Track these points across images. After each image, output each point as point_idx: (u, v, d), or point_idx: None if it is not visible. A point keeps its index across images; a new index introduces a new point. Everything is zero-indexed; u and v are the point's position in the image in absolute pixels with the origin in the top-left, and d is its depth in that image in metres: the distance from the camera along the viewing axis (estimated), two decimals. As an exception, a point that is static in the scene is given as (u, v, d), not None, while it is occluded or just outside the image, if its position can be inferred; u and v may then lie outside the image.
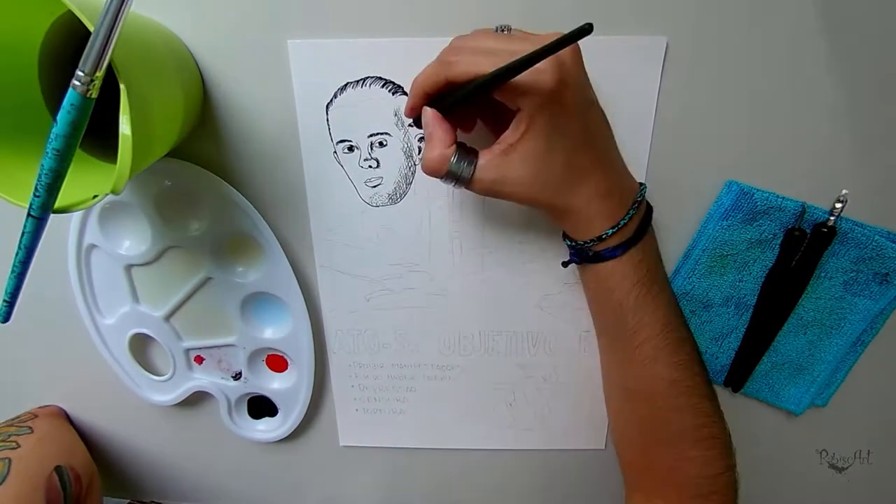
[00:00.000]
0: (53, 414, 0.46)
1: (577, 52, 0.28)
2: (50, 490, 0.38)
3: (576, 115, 0.29)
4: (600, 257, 0.32)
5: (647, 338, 0.33)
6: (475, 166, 0.30)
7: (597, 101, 0.31)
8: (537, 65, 0.25)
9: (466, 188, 0.31)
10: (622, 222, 0.31)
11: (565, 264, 0.36)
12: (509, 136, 0.29)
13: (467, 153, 0.30)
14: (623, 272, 0.32)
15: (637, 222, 0.32)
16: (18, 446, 0.40)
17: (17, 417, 0.44)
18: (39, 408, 0.46)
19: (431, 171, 0.30)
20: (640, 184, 0.34)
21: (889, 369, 0.41)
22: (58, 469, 0.40)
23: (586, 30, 0.23)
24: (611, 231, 0.31)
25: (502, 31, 0.30)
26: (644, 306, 0.33)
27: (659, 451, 0.35)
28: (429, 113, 0.30)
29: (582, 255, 0.33)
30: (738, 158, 0.35)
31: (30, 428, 0.42)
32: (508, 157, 0.29)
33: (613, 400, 0.38)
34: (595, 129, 0.30)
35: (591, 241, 0.32)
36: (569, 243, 0.34)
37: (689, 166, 0.35)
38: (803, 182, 0.35)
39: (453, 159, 0.29)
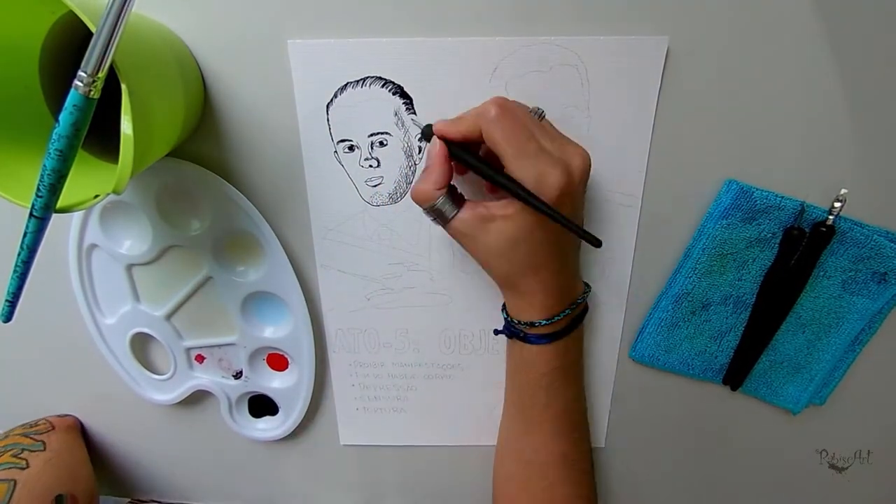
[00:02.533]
0: (69, 427, 0.46)
1: (586, 177, 0.31)
2: None
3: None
4: (528, 339, 0.35)
5: (554, 415, 0.37)
6: (455, 216, 0.32)
7: (582, 214, 0.34)
8: (554, 174, 0.29)
9: (441, 226, 0.33)
10: (555, 318, 0.34)
11: (497, 332, 0.38)
12: (495, 207, 0.31)
13: (454, 200, 0.32)
14: (546, 357, 0.35)
15: (569, 321, 0.35)
16: (27, 466, 0.40)
17: (35, 426, 0.44)
18: (57, 417, 0.46)
19: (417, 201, 0.32)
20: (586, 285, 0.37)
21: (888, 369, 0.41)
22: (58, 498, 0.40)
23: (595, 243, 0.29)
24: (544, 322, 0.34)
25: (537, 115, 0.32)
26: (557, 388, 0.36)
27: None
28: (437, 147, 0.31)
29: (513, 332, 0.36)
30: (737, 157, 0.35)
31: (43, 444, 0.42)
32: (485, 224, 0.31)
33: (507, 467, 0.41)
34: (568, 236, 0.32)
35: (525, 323, 0.35)
36: (505, 316, 0.37)
37: (689, 165, 0.36)
38: (802, 181, 0.35)
39: (439, 200, 0.31)
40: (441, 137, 0.31)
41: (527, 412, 0.38)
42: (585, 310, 0.37)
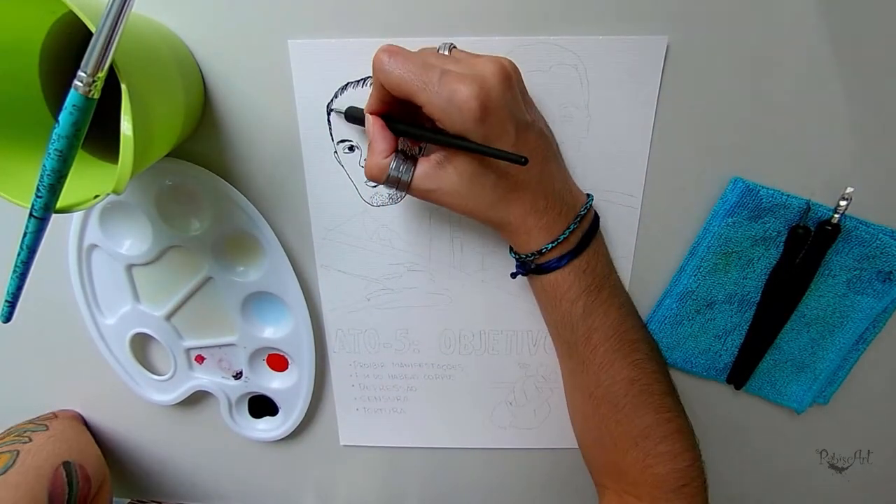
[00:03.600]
0: (72, 417, 0.46)
1: (505, 78, 0.28)
2: (55, 484, 0.38)
3: (505, 136, 0.29)
4: (543, 269, 0.33)
5: (600, 342, 0.34)
6: (412, 175, 0.31)
7: (535, 119, 0.31)
8: (463, 90, 0.27)
9: (406, 192, 0.32)
10: (561, 237, 0.32)
11: (513, 275, 0.37)
12: (441, 150, 0.30)
13: (406, 160, 0.31)
14: (568, 282, 0.33)
15: (579, 235, 0.33)
16: (30, 441, 0.40)
17: (38, 417, 0.45)
18: (60, 410, 0.47)
19: (371, 178, 0.32)
20: (587, 195, 0.34)
21: (891, 368, 0.41)
22: (66, 464, 0.40)
23: (520, 161, 0.27)
24: (550, 245, 0.32)
25: (448, 49, 0.31)
26: (592, 313, 0.34)
27: (628, 452, 0.35)
28: (370, 121, 0.31)
29: (525, 267, 0.34)
30: (740, 156, 0.35)
31: (45, 426, 0.43)
32: (443, 168, 0.30)
33: (579, 407, 0.39)
34: (530, 147, 0.30)
35: (532, 254, 0.33)
36: (513, 255, 0.35)
37: (690, 164, 0.35)
38: (808, 179, 0.35)
39: (392, 167, 0.31)
40: (370, 113, 0.31)
41: (573, 348, 0.35)
42: (596, 219, 0.35)
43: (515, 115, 0.29)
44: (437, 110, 0.28)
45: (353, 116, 0.33)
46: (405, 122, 0.31)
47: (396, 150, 0.31)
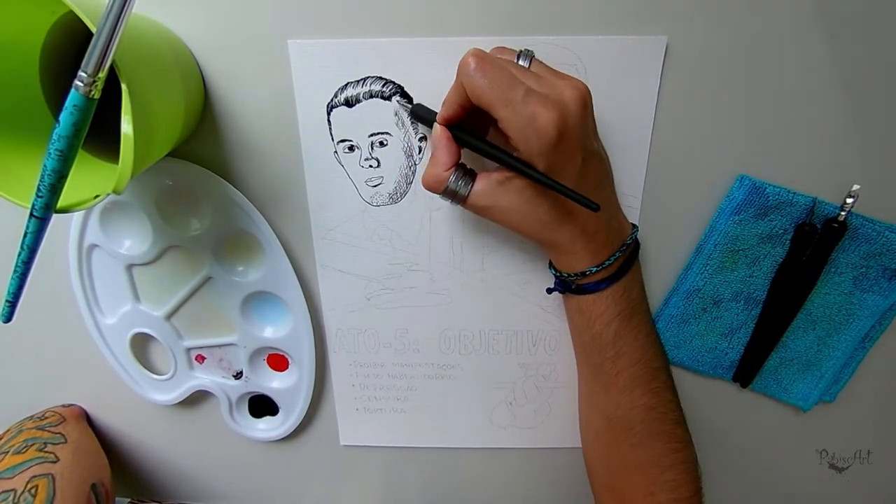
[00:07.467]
0: (78, 417, 0.46)
1: (583, 106, 0.29)
2: None
3: (572, 164, 0.29)
4: (583, 290, 0.34)
5: (625, 366, 0.35)
6: (470, 189, 0.31)
7: (599, 149, 0.32)
8: (545, 114, 0.27)
9: (459, 205, 0.33)
10: (606, 263, 0.32)
11: (549, 291, 0.37)
12: (506, 168, 0.30)
13: (465, 174, 0.32)
14: (605, 305, 0.34)
15: (622, 261, 0.34)
16: (57, 459, 0.40)
17: (45, 418, 0.44)
18: (63, 407, 0.46)
19: (429, 187, 0.32)
20: (633, 225, 0.35)
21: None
22: (94, 487, 0.40)
23: (592, 208, 0.27)
24: (594, 269, 0.33)
25: (528, 60, 0.30)
26: (624, 337, 0.34)
27: (635, 476, 0.36)
28: (437, 130, 0.31)
29: (565, 286, 0.35)
30: (747, 154, 0.35)
31: (62, 436, 0.42)
32: (502, 186, 0.31)
33: (593, 426, 0.39)
34: (592, 176, 0.31)
35: (575, 275, 0.33)
36: (554, 272, 0.35)
37: (695, 163, 0.35)
38: (814, 177, 0.35)
39: (451, 180, 0.31)
40: (441, 122, 0.31)
41: (598, 369, 0.36)
42: (637, 248, 0.35)
43: (585, 144, 0.30)
44: (515, 129, 0.28)
45: (420, 116, 0.33)
46: (473, 134, 0.31)
47: (458, 164, 0.31)
